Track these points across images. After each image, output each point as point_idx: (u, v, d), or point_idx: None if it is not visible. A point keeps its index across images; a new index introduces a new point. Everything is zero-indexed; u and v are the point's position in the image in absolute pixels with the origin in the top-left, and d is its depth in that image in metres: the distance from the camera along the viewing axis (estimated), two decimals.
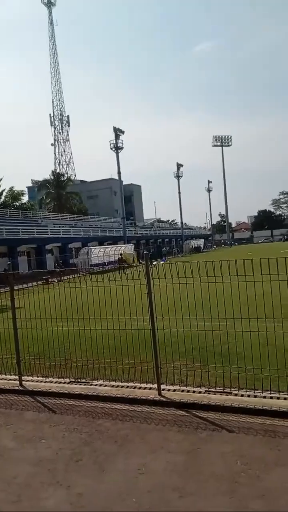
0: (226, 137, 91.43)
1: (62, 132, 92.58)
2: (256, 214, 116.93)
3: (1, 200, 47.38)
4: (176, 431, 4.37)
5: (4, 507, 3.29)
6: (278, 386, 4.96)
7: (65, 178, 65.57)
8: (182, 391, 5.39)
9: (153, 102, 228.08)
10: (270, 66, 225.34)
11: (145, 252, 6.15)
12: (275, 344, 5.54)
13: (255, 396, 4.99)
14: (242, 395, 5.05)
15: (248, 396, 5.01)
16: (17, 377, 6.33)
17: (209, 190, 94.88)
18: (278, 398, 4.88)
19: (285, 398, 4.85)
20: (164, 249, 56.80)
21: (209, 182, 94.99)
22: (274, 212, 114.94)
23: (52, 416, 5.06)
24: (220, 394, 5.14)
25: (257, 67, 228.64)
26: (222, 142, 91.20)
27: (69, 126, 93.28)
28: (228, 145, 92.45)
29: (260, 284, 4.97)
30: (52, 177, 61.95)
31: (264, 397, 4.94)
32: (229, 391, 5.18)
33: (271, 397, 4.91)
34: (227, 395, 5.11)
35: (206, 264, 5.15)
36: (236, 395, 5.08)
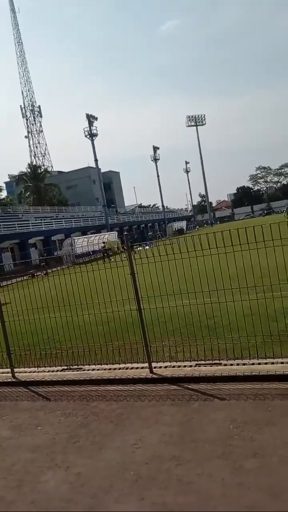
0: (200, 116, 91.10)
1: (35, 123, 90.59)
2: (235, 192, 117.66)
3: None
4: (169, 404, 4.47)
5: (5, 493, 3.33)
6: (264, 352, 5.09)
7: (42, 170, 64.38)
8: (173, 367, 5.48)
9: (125, 86, 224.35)
10: (239, 43, 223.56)
11: (125, 233, 6.16)
12: (259, 313, 5.65)
13: (243, 364, 5.11)
14: (231, 365, 5.17)
15: (237, 364, 5.13)
16: (9, 369, 6.33)
17: (187, 171, 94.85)
18: (265, 363, 5.01)
19: (272, 363, 4.99)
20: (150, 233, 56.79)
21: (186, 163, 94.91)
22: (253, 187, 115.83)
23: (47, 403, 5.10)
24: (210, 366, 5.25)
25: (226, 44, 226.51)
26: (196, 121, 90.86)
27: (41, 116, 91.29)
28: (202, 124, 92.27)
29: (240, 255, 5.04)
30: (28, 170, 60.81)
31: (252, 364, 5.07)
32: (219, 362, 5.30)
33: (259, 363, 5.04)
34: (217, 366, 5.23)
35: (186, 240, 5.20)
36: (225, 365, 5.20)
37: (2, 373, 6.48)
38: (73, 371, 6.01)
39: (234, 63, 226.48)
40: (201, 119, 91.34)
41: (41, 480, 3.43)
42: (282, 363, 4.94)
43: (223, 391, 4.56)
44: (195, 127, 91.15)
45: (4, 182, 73.08)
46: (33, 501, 3.17)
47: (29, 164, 63.71)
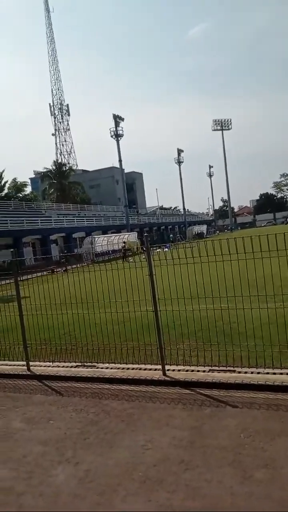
0: (226, 120, 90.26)
1: (63, 121, 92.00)
2: (258, 198, 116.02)
3: (4, 192, 47.37)
4: (181, 408, 4.45)
5: (16, 484, 3.40)
6: (280, 363, 5.01)
7: (67, 168, 65.30)
8: (186, 370, 5.46)
9: (153, 88, 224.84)
10: (269, 45, 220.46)
11: (145, 235, 6.18)
12: (277, 323, 5.56)
13: (258, 373, 5.04)
14: (245, 372, 5.11)
15: (252, 373, 5.07)
16: (24, 362, 6.45)
17: (210, 175, 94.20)
18: (281, 373, 4.93)
19: (287, 373, 4.91)
20: (172, 235, 56.72)
21: (210, 167, 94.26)
22: (276, 195, 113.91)
23: (60, 398, 5.17)
24: (224, 372, 5.20)
25: (254, 48, 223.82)
26: (222, 125, 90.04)
27: (69, 115, 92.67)
28: (228, 129, 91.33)
29: (261, 262, 4.98)
30: (54, 167, 61.75)
31: (267, 373, 5.00)
32: (233, 369, 5.25)
33: (274, 373, 4.96)
34: (231, 372, 5.17)
35: (206, 244, 5.17)
36: (239, 372, 5.14)
37: (18, 365, 6.60)
38: (86, 368, 6.06)
39: (263, 66, 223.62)
40: (227, 123, 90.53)
41: (51, 474, 3.48)
42: None
43: (236, 399, 4.52)
44: (220, 131, 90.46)
45: (29, 178, 74.58)
46: (41, 494, 3.22)
47: (54, 162, 64.78)
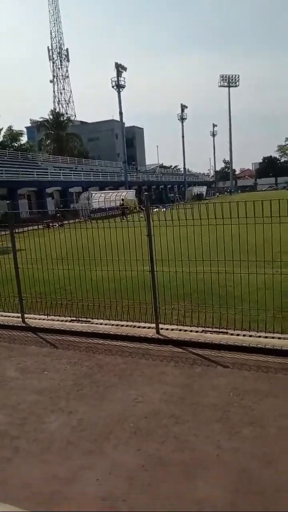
0: (234, 76, 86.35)
1: (61, 67, 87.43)
2: (261, 161, 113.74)
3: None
4: (173, 366, 4.56)
5: (10, 429, 3.52)
6: (273, 327, 5.09)
7: (65, 118, 62.83)
8: (180, 330, 5.55)
9: (159, 38, 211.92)
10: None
11: (145, 193, 6.03)
12: (273, 288, 5.59)
13: (250, 336, 5.14)
14: (237, 335, 5.21)
15: (244, 335, 5.16)
16: (19, 314, 6.51)
17: (213, 135, 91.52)
18: (272, 337, 5.02)
19: (279, 338, 5.00)
20: (172, 194, 55.97)
21: (214, 126, 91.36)
22: (280, 159, 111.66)
23: (54, 350, 5.27)
24: (217, 333, 5.30)
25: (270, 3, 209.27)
26: (229, 82, 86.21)
27: (68, 61, 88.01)
28: (236, 86, 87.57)
29: (261, 227, 4.91)
30: (51, 117, 59.36)
31: (259, 336, 5.09)
32: (225, 331, 5.34)
33: (266, 337, 5.06)
34: (223, 334, 5.27)
35: (207, 207, 5.06)
36: (232, 334, 5.24)
37: (13, 317, 6.67)
38: (81, 323, 6.14)
39: (279, 22, 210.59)
40: (235, 79, 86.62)
41: (45, 421, 3.60)
42: None
43: (227, 359, 4.63)
44: (227, 88, 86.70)
45: (25, 127, 71.88)
46: (35, 439, 3.34)
47: (52, 111, 62.11)
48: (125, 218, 29.38)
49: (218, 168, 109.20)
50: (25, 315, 6.47)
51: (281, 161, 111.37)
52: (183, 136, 71.49)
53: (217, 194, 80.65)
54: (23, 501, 2.63)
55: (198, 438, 3.22)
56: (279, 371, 4.23)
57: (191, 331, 5.48)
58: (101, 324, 6.03)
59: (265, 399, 3.73)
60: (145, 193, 5.99)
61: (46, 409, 3.80)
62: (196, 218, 5.15)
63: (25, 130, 58.36)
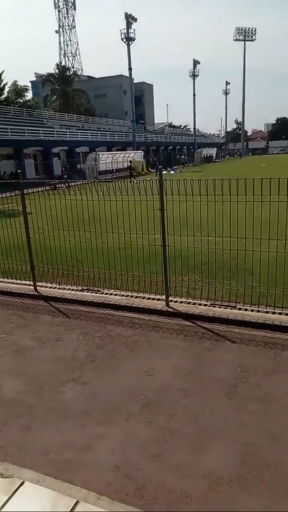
0: (250, 29, 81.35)
1: (67, 16, 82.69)
2: (274, 123, 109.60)
3: (4, 95, 44.26)
4: (182, 339, 4.71)
5: (28, 397, 3.72)
6: (282, 303, 5.17)
7: (71, 72, 60.23)
8: (189, 303, 5.66)
9: None
10: None
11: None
12: (284, 264, 5.59)
13: (258, 311, 5.24)
14: (246, 309, 5.31)
15: (252, 311, 5.26)
16: (31, 282, 6.65)
17: (226, 93, 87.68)
18: (280, 313, 5.12)
19: (286, 314, 5.09)
20: (183, 157, 54.77)
21: (227, 83, 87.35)
22: None
23: (67, 320, 5.43)
24: (225, 308, 5.40)
25: None
26: (246, 35, 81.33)
27: (75, 9, 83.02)
28: (252, 40, 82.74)
29: (275, 204, 4.85)
30: (57, 71, 56.91)
31: (267, 312, 5.19)
32: (234, 305, 5.44)
33: (274, 313, 5.15)
34: (232, 309, 5.37)
35: (222, 182, 4.97)
36: (240, 309, 5.34)
37: (24, 285, 6.81)
38: (92, 292, 6.27)
39: None
40: (251, 33, 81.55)
41: (60, 390, 3.79)
42: None
43: (235, 334, 4.75)
44: (243, 42, 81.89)
45: (30, 81, 69.23)
46: (51, 408, 3.54)
47: (57, 65, 59.40)
48: (133, 181, 29.07)
49: (229, 129, 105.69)
50: (37, 283, 6.60)
51: None
52: (194, 94, 68.74)
53: (227, 156, 78.53)
54: (43, 467, 2.83)
55: (205, 411, 3.39)
56: (285, 348, 4.36)
57: (199, 304, 5.58)
58: (111, 294, 6.15)
59: (271, 376, 3.87)
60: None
61: (61, 379, 3.99)
62: (210, 194, 5.08)
63: (30, 85, 56.26)
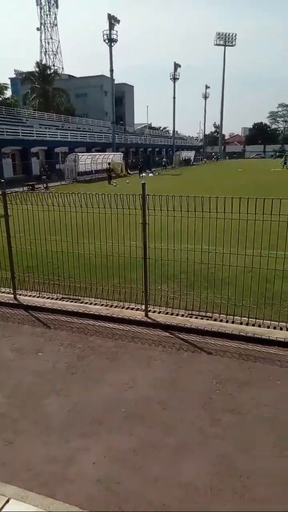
0: (231, 35, 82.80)
1: (50, 14, 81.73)
2: (251, 127, 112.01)
3: None
4: (161, 350, 4.87)
5: (10, 411, 3.79)
6: (255, 314, 5.43)
7: (52, 71, 59.59)
8: (167, 313, 5.84)
9: None
10: None
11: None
12: (259, 273, 5.80)
13: (232, 322, 5.48)
14: (221, 320, 5.54)
15: (227, 322, 5.50)
16: (11, 290, 6.66)
17: (205, 97, 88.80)
18: (253, 325, 5.38)
19: (259, 325, 5.35)
20: (164, 159, 55.19)
21: (206, 87, 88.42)
22: (270, 126, 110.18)
23: (47, 331, 5.49)
24: (201, 319, 5.62)
25: None
26: (226, 40, 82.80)
27: (57, 7, 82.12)
28: (232, 45, 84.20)
29: (252, 221, 5.08)
30: (37, 69, 56.18)
31: (241, 323, 5.44)
32: (210, 315, 5.66)
33: (247, 324, 5.41)
34: (208, 319, 5.59)
35: (203, 199, 5.17)
36: (215, 320, 5.56)
37: (4, 293, 6.81)
38: (72, 301, 6.35)
39: None
40: (232, 38, 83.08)
41: (43, 404, 3.88)
42: (268, 327, 5.30)
43: (211, 346, 4.96)
44: (223, 47, 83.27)
45: (9, 78, 68.05)
46: (35, 421, 3.63)
47: (37, 63, 58.63)
48: (112, 183, 29.05)
49: (207, 132, 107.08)
50: (17, 291, 6.62)
51: (271, 128, 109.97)
52: (174, 97, 69.36)
53: (205, 160, 79.61)
54: (27, 482, 2.93)
55: (183, 424, 3.57)
56: (257, 360, 4.59)
57: (177, 314, 5.77)
58: (91, 303, 6.25)
59: (244, 387, 4.09)
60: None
61: (43, 391, 4.07)
62: (191, 210, 5.27)
63: (9, 82, 55.39)
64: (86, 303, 6.28)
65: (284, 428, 3.48)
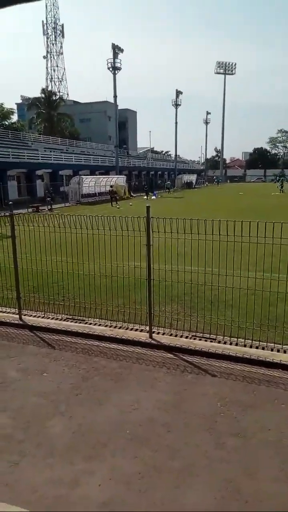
0: (231, 64, 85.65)
1: (56, 43, 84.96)
2: (252, 152, 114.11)
3: None
4: (165, 372, 4.88)
5: (15, 433, 3.79)
6: (259, 336, 5.45)
7: (57, 97, 61.43)
8: (171, 334, 5.86)
9: (157, 21, 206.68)
10: None
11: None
12: (262, 295, 5.86)
13: (236, 344, 5.49)
14: (225, 342, 5.56)
15: (231, 344, 5.52)
16: (16, 310, 6.71)
17: (206, 122, 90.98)
18: (257, 347, 5.39)
19: (263, 348, 5.37)
20: (168, 182, 56.42)
21: (207, 113, 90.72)
22: (270, 151, 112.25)
23: (52, 351, 5.52)
24: (205, 340, 5.64)
25: None
26: (226, 69, 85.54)
27: (63, 37, 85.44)
28: (232, 74, 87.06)
29: (254, 244, 5.18)
30: (43, 95, 57.95)
31: (245, 345, 5.46)
32: (214, 337, 5.68)
33: (251, 346, 5.42)
34: (212, 341, 5.61)
35: (206, 222, 5.30)
36: (219, 342, 5.58)
37: (9, 313, 6.87)
38: (76, 322, 6.39)
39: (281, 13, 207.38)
40: (232, 67, 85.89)
41: (47, 425, 3.88)
42: (272, 349, 5.31)
43: (215, 368, 4.97)
44: (223, 76, 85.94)
45: (15, 103, 70.13)
46: (39, 444, 3.63)
47: (43, 89, 60.57)
48: (115, 205, 29.40)
49: (209, 156, 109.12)
50: (22, 312, 6.67)
51: (271, 153, 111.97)
52: (176, 123, 71.00)
53: (207, 183, 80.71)
54: (32, 504, 2.91)
55: (188, 447, 3.55)
56: (262, 383, 4.59)
57: (181, 336, 5.79)
58: (95, 324, 6.28)
59: (249, 410, 4.08)
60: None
61: (48, 413, 4.07)
62: (193, 233, 5.38)
63: (15, 107, 57.01)
64: (91, 323, 6.33)
65: None
